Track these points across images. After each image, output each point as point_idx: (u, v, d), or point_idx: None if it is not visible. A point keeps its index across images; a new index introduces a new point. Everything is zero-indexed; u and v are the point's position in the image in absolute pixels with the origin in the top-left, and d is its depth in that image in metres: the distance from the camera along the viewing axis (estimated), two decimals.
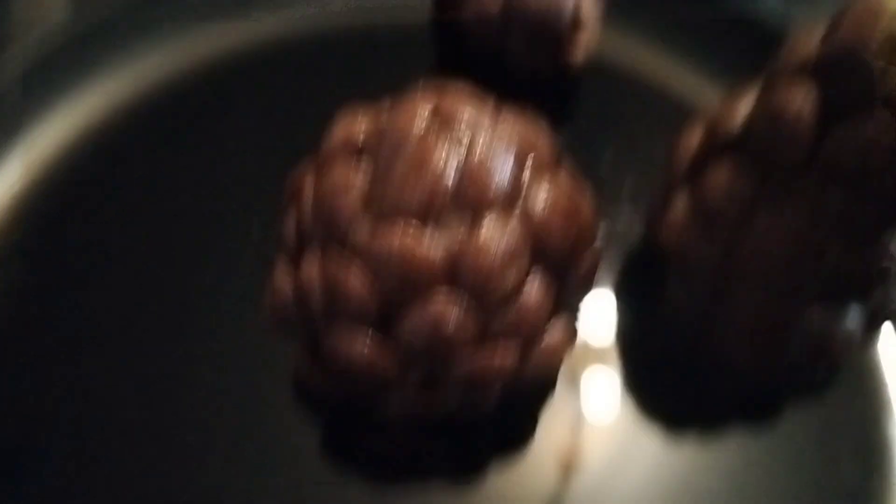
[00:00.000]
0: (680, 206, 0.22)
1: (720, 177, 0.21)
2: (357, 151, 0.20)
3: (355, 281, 0.19)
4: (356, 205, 0.19)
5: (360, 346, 0.19)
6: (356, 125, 0.20)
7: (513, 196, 0.19)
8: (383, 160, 0.19)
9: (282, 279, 0.21)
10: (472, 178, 0.19)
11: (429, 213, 0.19)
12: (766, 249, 0.20)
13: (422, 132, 0.19)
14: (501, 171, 0.19)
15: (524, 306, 0.19)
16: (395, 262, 0.18)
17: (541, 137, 0.21)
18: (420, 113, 0.20)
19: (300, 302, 0.20)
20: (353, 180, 0.20)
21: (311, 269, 0.20)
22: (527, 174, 0.20)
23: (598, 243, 0.22)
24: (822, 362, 0.22)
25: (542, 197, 0.20)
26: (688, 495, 0.23)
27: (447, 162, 0.19)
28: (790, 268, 0.20)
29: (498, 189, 0.19)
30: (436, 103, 0.20)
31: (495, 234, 0.19)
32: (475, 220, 0.19)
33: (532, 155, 0.20)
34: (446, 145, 0.19)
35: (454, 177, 0.19)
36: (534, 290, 0.20)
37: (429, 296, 0.19)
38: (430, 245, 0.19)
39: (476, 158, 0.19)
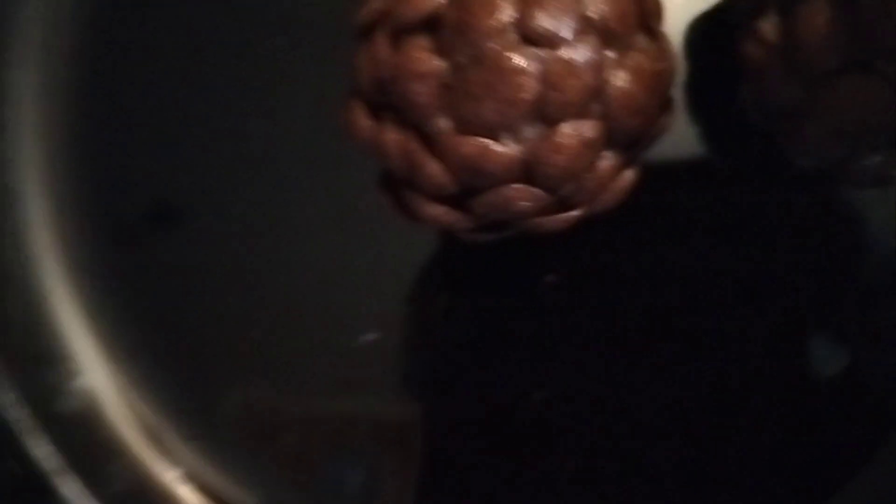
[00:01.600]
0: (768, 28, 0.20)
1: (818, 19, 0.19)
2: (433, 29, 0.19)
3: (433, 168, 0.19)
4: (433, 96, 0.19)
5: (437, 210, 0.21)
6: None
7: (592, 93, 0.19)
8: (461, 55, 0.18)
9: (362, 122, 0.21)
10: (552, 85, 0.18)
11: (507, 124, 0.19)
12: (849, 108, 0.19)
13: (501, 41, 0.18)
14: (583, 71, 0.18)
15: (593, 180, 0.20)
16: (472, 164, 0.19)
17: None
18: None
19: (379, 153, 0.21)
20: (429, 66, 0.19)
21: (390, 136, 0.20)
22: (608, 58, 0.19)
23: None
24: None
25: (620, 87, 0.19)
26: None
27: (526, 71, 0.18)
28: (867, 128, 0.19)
29: (577, 92, 0.18)
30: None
31: (572, 140, 0.19)
32: (552, 127, 0.19)
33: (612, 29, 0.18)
34: (526, 51, 0.18)
35: (534, 86, 0.18)
36: (603, 167, 0.20)
37: (503, 186, 0.20)
38: (507, 151, 0.19)
39: (557, 67, 0.18)
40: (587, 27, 0.18)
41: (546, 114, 0.18)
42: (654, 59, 0.19)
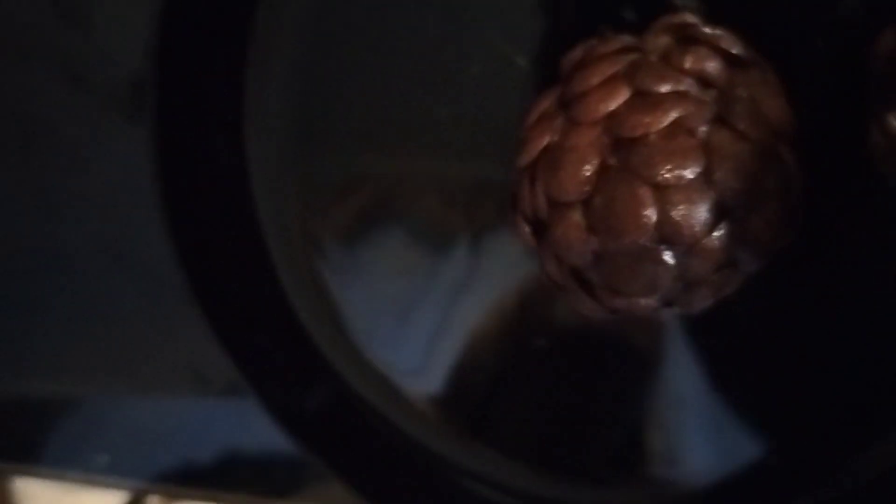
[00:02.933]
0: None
1: None
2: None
3: (586, 302, 0.23)
4: (587, 261, 0.22)
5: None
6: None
7: (722, 264, 0.21)
8: (609, 240, 0.21)
9: (524, 230, 0.24)
10: (687, 270, 0.21)
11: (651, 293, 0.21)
12: None
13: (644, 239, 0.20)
14: (715, 254, 0.21)
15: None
16: (621, 309, 0.22)
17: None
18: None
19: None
20: (582, 245, 0.21)
21: (549, 264, 0.23)
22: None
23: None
24: None
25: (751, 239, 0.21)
26: None
27: (667, 265, 0.20)
28: None
29: (709, 269, 0.21)
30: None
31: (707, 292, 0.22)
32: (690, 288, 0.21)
33: None
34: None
35: (673, 275, 0.21)
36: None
37: None
38: (651, 303, 0.22)
39: (693, 261, 0.20)
40: (720, 212, 0.20)
41: (685, 282, 0.21)
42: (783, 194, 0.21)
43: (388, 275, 0.28)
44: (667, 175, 0.20)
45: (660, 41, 0.22)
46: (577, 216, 0.21)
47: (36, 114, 0.30)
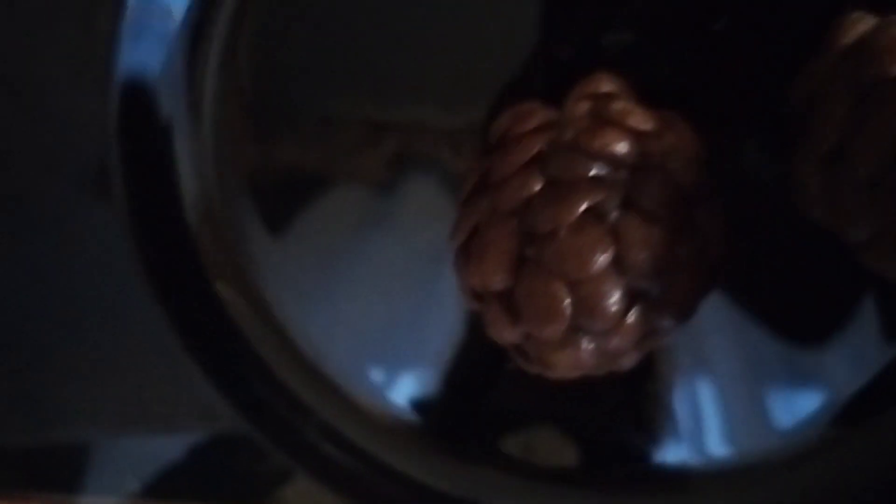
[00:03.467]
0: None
1: None
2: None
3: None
4: (509, 331, 0.23)
5: None
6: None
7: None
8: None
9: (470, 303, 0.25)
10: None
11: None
12: None
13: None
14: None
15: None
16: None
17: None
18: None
19: None
20: (509, 336, 0.23)
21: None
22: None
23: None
24: None
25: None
26: None
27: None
28: None
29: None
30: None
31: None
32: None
33: None
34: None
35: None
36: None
37: None
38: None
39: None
40: (633, 296, 0.21)
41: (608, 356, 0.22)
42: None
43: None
44: (577, 270, 0.21)
45: (576, 113, 0.23)
46: (500, 307, 0.22)
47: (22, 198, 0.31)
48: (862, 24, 0.22)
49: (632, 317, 0.22)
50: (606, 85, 0.23)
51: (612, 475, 0.30)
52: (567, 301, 0.21)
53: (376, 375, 0.30)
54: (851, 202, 0.21)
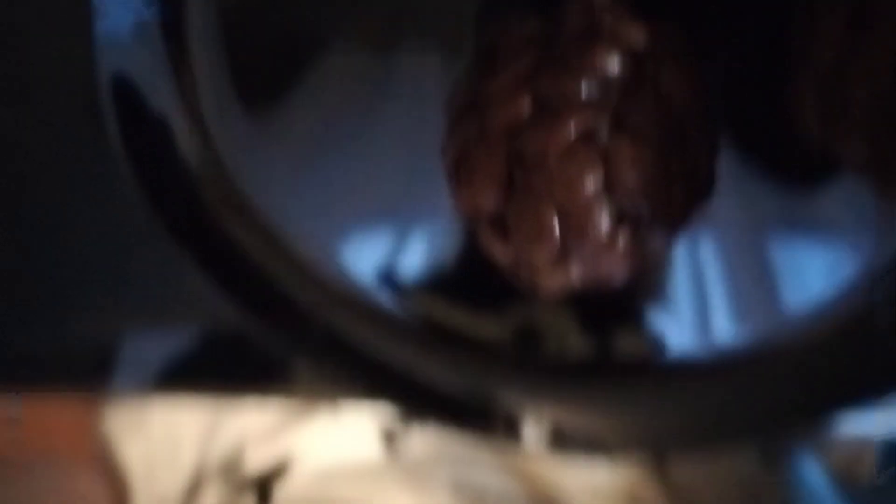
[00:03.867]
0: None
1: None
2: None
3: None
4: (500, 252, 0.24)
5: None
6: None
7: None
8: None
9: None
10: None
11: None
12: None
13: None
14: None
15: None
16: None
17: None
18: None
19: None
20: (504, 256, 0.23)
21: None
22: None
23: None
24: None
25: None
26: None
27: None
28: None
29: None
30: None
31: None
32: None
33: None
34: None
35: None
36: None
37: None
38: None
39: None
40: (623, 218, 0.22)
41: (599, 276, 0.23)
42: None
43: None
44: (567, 195, 0.21)
45: (568, 24, 0.22)
46: (491, 227, 0.23)
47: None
48: None
49: (622, 238, 0.22)
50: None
51: (617, 366, 0.30)
52: (556, 225, 0.21)
53: (370, 255, 0.30)
54: (850, 122, 0.20)
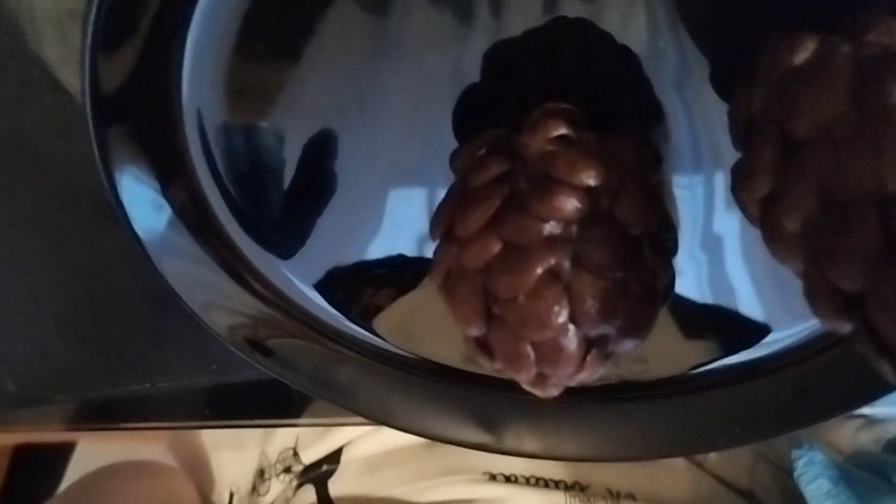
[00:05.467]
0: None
1: None
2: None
3: None
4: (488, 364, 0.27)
5: None
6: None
7: None
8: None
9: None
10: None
11: None
12: None
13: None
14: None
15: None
16: None
17: None
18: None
19: None
20: (483, 358, 0.26)
21: None
22: None
23: None
24: None
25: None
26: None
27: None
28: None
29: None
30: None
31: None
32: None
33: None
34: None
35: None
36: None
37: None
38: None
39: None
40: (589, 341, 0.24)
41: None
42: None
43: None
44: (538, 332, 0.24)
45: (529, 159, 0.25)
46: (477, 347, 0.26)
47: None
48: (800, 49, 0.22)
49: (591, 356, 0.25)
50: (557, 124, 0.24)
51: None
52: (532, 356, 0.24)
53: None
54: (786, 245, 0.22)
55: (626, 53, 0.26)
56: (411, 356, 0.34)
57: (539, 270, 0.24)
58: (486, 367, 0.26)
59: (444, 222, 0.26)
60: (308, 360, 0.35)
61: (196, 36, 0.26)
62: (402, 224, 0.30)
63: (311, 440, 0.52)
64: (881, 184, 0.19)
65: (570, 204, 0.24)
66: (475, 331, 0.25)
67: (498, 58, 0.27)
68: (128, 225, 0.27)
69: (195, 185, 0.29)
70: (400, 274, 0.32)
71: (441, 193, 0.27)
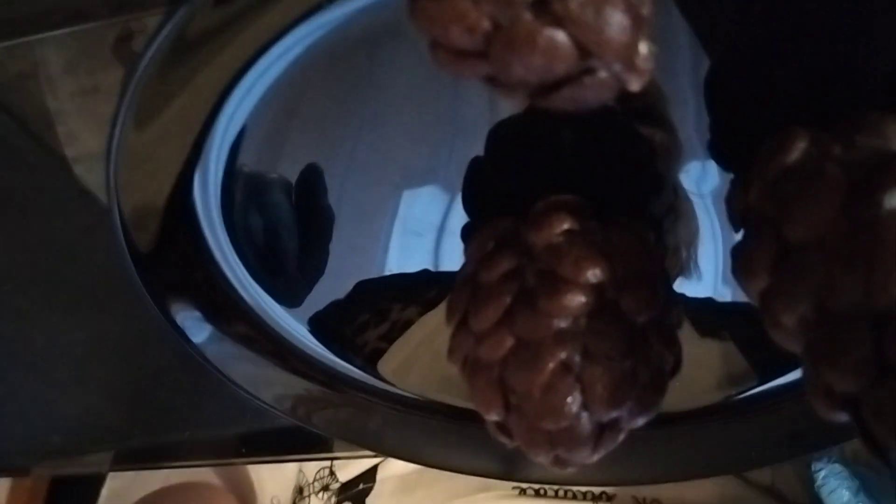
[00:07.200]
0: None
1: None
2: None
3: None
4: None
5: None
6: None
7: None
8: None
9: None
10: None
11: None
12: None
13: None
14: None
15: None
16: None
17: None
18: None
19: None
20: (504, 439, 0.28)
21: None
22: None
23: None
24: None
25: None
26: None
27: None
28: None
29: None
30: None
31: None
32: None
33: None
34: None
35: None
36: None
37: None
38: None
39: None
40: (601, 427, 0.26)
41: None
42: None
43: None
44: (553, 422, 0.25)
45: (537, 253, 0.26)
46: (498, 430, 0.27)
47: None
48: (791, 149, 0.23)
49: (605, 438, 0.26)
50: (561, 219, 0.25)
51: None
52: (548, 442, 0.26)
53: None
54: (786, 335, 0.23)
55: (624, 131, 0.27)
56: (430, 400, 0.36)
57: (551, 365, 0.25)
58: (507, 444, 0.28)
59: (458, 311, 0.27)
60: (340, 414, 0.37)
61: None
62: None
63: (346, 459, 0.54)
64: (871, 298, 0.20)
65: (577, 301, 0.25)
66: (495, 416, 0.27)
67: (501, 135, 0.28)
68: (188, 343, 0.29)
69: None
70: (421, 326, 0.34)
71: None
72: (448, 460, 0.38)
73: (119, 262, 0.27)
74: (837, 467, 0.42)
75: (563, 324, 0.25)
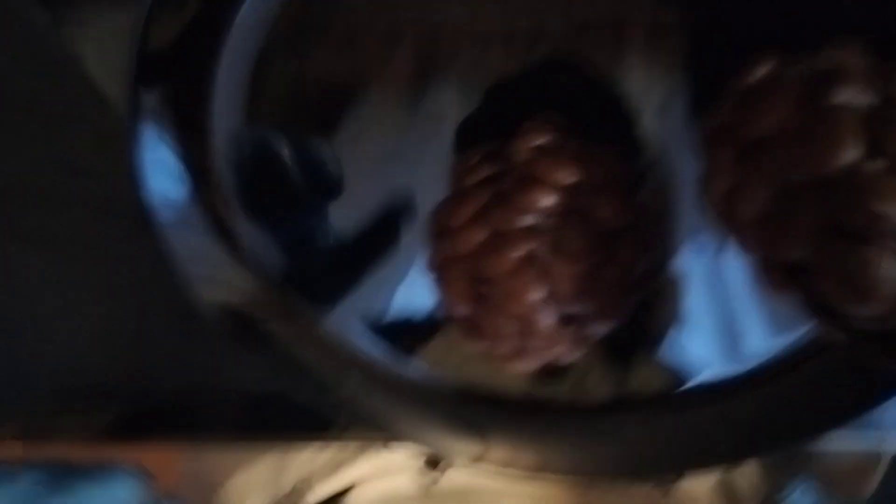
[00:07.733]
0: None
1: None
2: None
3: None
4: (474, 344, 0.29)
5: None
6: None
7: None
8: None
9: None
10: None
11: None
12: None
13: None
14: None
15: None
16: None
17: None
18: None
19: None
20: (471, 338, 0.29)
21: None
22: None
23: None
24: None
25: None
26: None
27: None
28: None
29: None
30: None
31: None
32: None
33: None
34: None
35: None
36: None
37: None
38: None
39: None
40: (566, 320, 0.27)
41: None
42: None
43: None
44: (516, 307, 0.26)
45: (516, 163, 0.27)
46: (465, 326, 0.28)
47: None
48: (759, 68, 0.25)
49: (567, 333, 0.27)
50: (542, 134, 0.27)
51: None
52: (513, 329, 0.27)
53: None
54: (744, 232, 0.25)
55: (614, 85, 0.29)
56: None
57: (518, 254, 0.26)
58: (473, 348, 0.28)
59: (438, 220, 0.29)
60: None
61: None
62: None
63: (320, 477, 0.53)
64: (822, 165, 0.22)
65: (548, 199, 0.26)
66: (463, 310, 0.28)
67: (495, 91, 0.30)
68: None
69: None
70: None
71: None
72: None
73: None
74: (808, 498, 0.41)
75: (533, 220, 0.26)
